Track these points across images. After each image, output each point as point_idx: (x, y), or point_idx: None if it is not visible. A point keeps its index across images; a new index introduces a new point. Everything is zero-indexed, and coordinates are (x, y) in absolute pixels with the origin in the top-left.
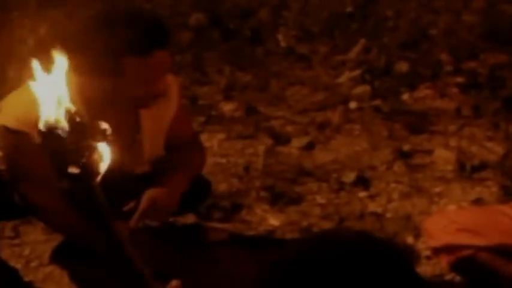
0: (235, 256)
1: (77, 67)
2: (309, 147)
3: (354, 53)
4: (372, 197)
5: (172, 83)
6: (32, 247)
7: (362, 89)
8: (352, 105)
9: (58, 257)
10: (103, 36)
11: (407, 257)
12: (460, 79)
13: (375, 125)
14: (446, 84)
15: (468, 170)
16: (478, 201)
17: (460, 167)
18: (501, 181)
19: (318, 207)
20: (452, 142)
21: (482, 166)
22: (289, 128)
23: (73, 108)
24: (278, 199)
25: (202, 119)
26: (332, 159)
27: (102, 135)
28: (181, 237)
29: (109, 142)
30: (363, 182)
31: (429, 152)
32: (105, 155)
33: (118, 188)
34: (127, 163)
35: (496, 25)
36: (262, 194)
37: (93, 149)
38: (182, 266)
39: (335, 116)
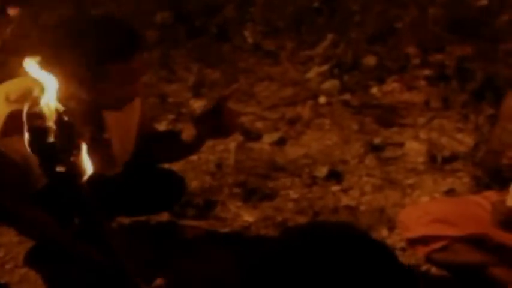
0: (211, 253)
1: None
2: (280, 142)
3: (322, 48)
4: (344, 191)
5: None
6: (7, 249)
7: (331, 83)
8: (322, 100)
9: (33, 258)
10: (81, 47)
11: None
12: (427, 72)
13: (345, 119)
14: (414, 77)
15: (439, 162)
16: (450, 192)
17: (431, 158)
18: (472, 172)
19: (292, 202)
20: (423, 134)
21: (453, 157)
22: (259, 124)
23: (61, 108)
24: (251, 195)
25: (172, 116)
26: (303, 154)
27: (89, 134)
28: (156, 236)
29: (96, 142)
30: (335, 176)
31: (400, 145)
32: (85, 154)
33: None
34: (96, 165)
35: (461, 18)
36: (235, 190)
37: (81, 148)
38: (159, 264)
39: (305, 111)
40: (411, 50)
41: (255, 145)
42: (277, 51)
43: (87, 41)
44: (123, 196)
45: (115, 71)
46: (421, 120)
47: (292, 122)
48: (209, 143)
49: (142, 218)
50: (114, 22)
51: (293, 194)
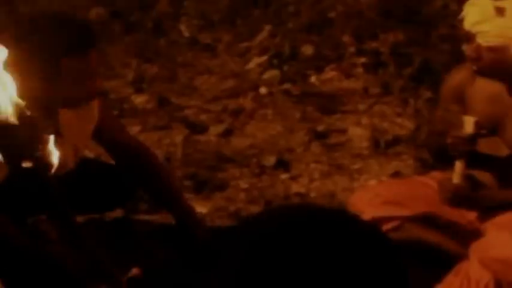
0: (167, 246)
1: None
2: (226, 134)
3: (260, 39)
4: (293, 178)
5: None
6: None
7: (271, 74)
8: (263, 90)
9: None
10: (38, 40)
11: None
12: (363, 59)
13: (287, 109)
14: (351, 65)
15: (382, 146)
16: (396, 175)
17: (375, 143)
18: (415, 154)
19: (243, 192)
20: (364, 120)
21: (396, 141)
22: (203, 117)
23: (22, 103)
24: (202, 187)
25: (115, 112)
26: (249, 144)
27: (52, 128)
28: (110, 232)
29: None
30: (283, 164)
31: (343, 131)
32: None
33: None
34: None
35: (392, 5)
36: (186, 183)
37: (45, 142)
38: (115, 259)
39: (247, 102)
40: (346, 38)
41: (201, 137)
42: (214, 44)
43: (43, 36)
44: (75, 194)
45: (70, 67)
46: (362, 106)
47: (235, 113)
48: (155, 137)
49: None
50: (69, 17)
51: (243, 184)
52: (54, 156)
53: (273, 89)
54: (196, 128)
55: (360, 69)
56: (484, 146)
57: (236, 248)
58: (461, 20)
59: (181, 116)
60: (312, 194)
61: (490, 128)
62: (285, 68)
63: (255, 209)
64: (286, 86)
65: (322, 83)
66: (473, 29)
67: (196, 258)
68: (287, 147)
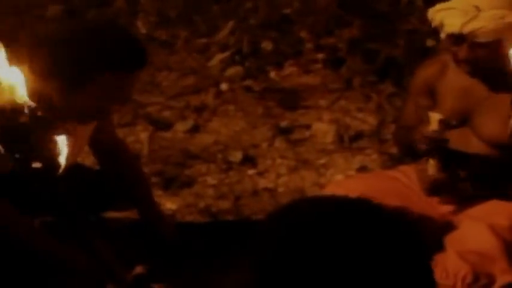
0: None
1: (42, 70)
2: (191, 130)
3: (220, 35)
4: (261, 174)
5: None
6: None
7: (234, 70)
8: (224, 86)
9: None
10: (87, 46)
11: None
12: (321, 55)
13: (249, 105)
14: (309, 61)
15: (347, 141)
16: (362, 169)
17: (339, 138)
18: (379, 148)
19: (211, 188)
20: (327, 115)
21: (359, 136)
22: (166, 113)
23: (32, 104)
24: (170, 183)
25: None
26: (214, 140)
27: (62, 129)
28: (81, 231)
29: (67, 135)
30: (249, 160)
31: (307, 127)
32: (63, 148)
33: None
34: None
35: (346, 1)
36: (154, 179)
37: (55, 143)
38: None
39: (209, 99)
40: (304, 34)
41: (166, 134)
42: (172, 40)
43: (89, 45)
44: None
45: (107, 79)
46: (324, 101)
47: (198, 109)
48: (120, 134)
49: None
50: (127, 32)
51: (211, 180)
52: (63, 156)
53: (234, 85)
54: (161, 125)
55: (318, 65)
56: (455, 139)
57: (266, 240)
58: (437, 26)
59: (144, 113)
60: (280, 189)
61: (460, 121)
62: (247, 64)
63: (224, 204)
64: (248, 82)
65: (282, 79)
66: (465, 30)
67: (165, 255)
68: (252, 143)
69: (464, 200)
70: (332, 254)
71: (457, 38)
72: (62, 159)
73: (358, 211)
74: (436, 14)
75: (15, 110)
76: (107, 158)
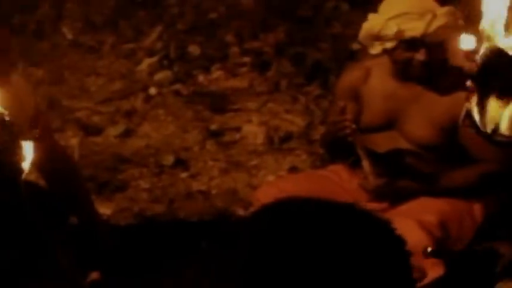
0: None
1: None
2: (121, 135)
3: (147, 41)
4: (193, 177)
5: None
6: None
7: (162, 74)
8: (152, 91)
9: None
10: None
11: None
12: (247, 59)
13: (179, 109)
14: (236, 65)
15: (276, 142)
16: (292, 170)
17: (269, 140)
18: (308, 149)
19: (145, 192)
20: (256, 118)
21: (288, 137)
22: (96, 119)
23: (2, 110)
24: (103, 188)
25: None
26: (145, 144)
27: (30, 133)
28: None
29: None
30: (181, 163)
31: (237, 129)
32: (28, 152)
33: None
34: None
35: (271, 6)
36: (86, 184)
37: (21, 147)
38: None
39: (138, 103)
40: (229, 38)
41: (97, 139)
42: (98, 46)
43: None
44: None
45: None
46: (253, 104)
47: (128, 114)
48: None
49: None
50: None
51: (144, 184)
52: (27, 161)
53: (163, 89)
54: (91, 130)
55: (244, 69)
56: (382, 141)
57: (241, 242)
58: (388, 34)
59: (73, 118)
60: (213, 191)
61: (387, 124)
62: (175, 68)
63: (159, 208)
64: (177, 86)
65: (210, 83)
66: (430, 30)
67: (99, 259)
68: (183, 146)
69: (399, 199)
70: (313, 252)
71: (413, 43)
72: (26, 165)
73: (337, 209)
74: (388, 22)
75: None
76: (52, 168)
